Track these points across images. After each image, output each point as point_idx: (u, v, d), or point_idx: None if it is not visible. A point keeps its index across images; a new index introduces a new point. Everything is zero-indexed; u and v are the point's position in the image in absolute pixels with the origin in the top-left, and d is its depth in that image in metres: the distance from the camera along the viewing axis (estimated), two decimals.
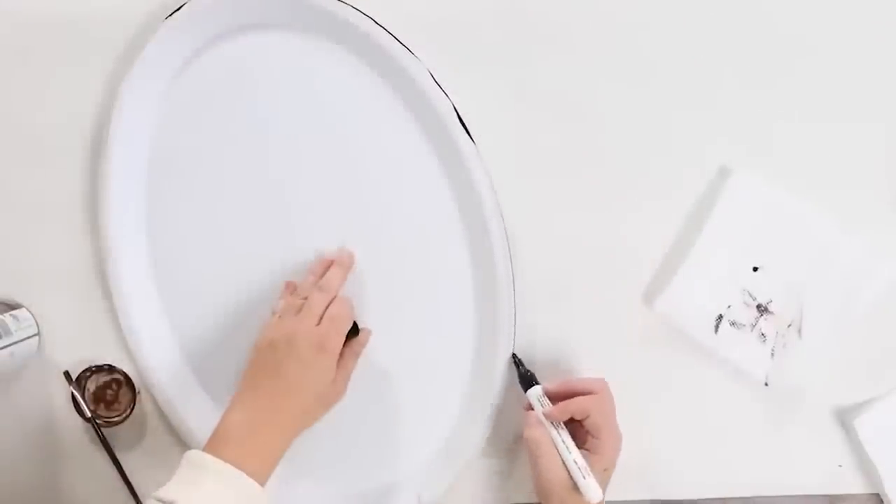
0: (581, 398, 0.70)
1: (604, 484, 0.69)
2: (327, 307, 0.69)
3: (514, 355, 0.74)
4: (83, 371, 0.75)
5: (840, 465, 0.79)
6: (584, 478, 0.67)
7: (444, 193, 0.73)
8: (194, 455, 0.61)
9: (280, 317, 0.68)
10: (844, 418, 0.78)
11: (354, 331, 0.72)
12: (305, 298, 0.69)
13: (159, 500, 0.58)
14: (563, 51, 0.74)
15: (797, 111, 0.75)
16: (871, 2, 0.74)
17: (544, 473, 0.68)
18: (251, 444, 0.62)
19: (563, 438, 0.69)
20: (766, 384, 0.76)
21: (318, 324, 0.67)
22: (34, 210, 0.76)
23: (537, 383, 0.72)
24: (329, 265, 0.72)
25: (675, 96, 0.74)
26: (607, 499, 0.70)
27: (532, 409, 0.71)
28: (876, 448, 0.77)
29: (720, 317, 0.75)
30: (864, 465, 0.79)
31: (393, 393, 0.76)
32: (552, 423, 0.69)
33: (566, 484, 0.67)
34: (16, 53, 0.75)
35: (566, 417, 0.69)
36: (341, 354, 0.69)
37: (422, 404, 0.76)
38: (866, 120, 0.75)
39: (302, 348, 0.65)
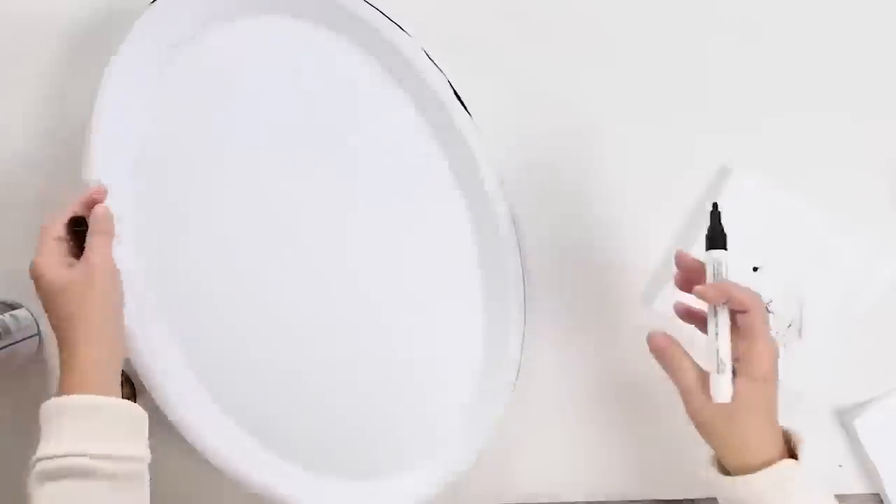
0: (743, 293, 0.61)
1: (759, 397, 0.60)
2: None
3: (715, 205, 0.64)
4: None
5: (840, 465, 0.79)
6: (718, 372, 0.60)
7: (453, 189, 0.74)
8: (61, 401, 0.57)
9: None
10: (844, 418, 0.78)
11: (83, 223, 0.64)
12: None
13: (46, 458, 0.56)
14: (562, 50, 0.74)
15: (797, 111, 0.75)
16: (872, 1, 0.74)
17: (705, 419, 0.61)
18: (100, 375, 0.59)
19: (719, 320, 0.60)
20: None
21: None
22: (34, 209, 0.76)
23: (724, 248, 0.62)
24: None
25: (675, 95, 0.74)
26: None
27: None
28: (876, 448, 0.77)
29: None
30: (864, 465, 0.79)
31: (405, 384, 0.75)
32: (711, 304, 0.61)
33: (692, 385, 0.61)
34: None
35: (723, 300, 0.61)
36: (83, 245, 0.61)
37: (435, 393, 0.76)
38: (866, 119, 0.75)
39: (41, 289, 0.60)
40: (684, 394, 0.62)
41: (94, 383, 0.58)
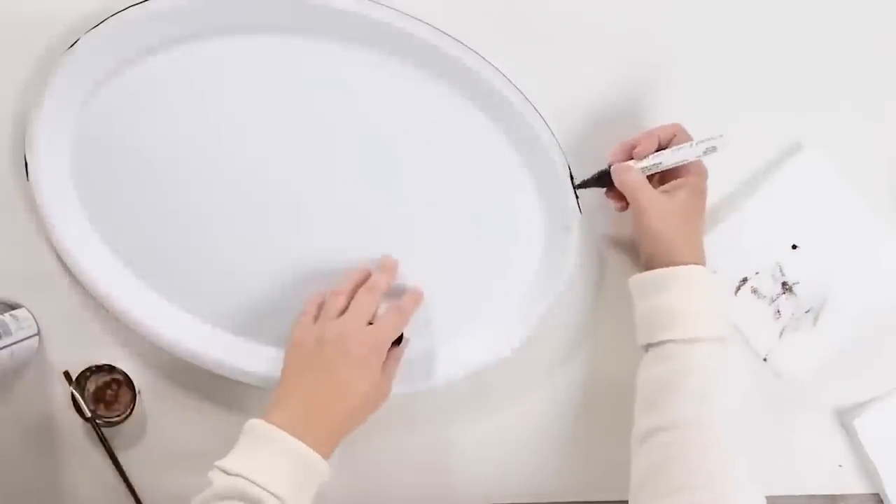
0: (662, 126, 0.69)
1: (697, 204, 0.68)
2: (376, 311, 0.68)
3: (577, 184, 0.71)
4: (83, 371, 0.75)
5: (840, 465, 0.79)
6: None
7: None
8: (256, 424, 0.61)
9: (324, 315, 0.67)
10: (844, 418, 0.78)
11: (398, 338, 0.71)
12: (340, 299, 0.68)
13: (224, 471, 0.59)
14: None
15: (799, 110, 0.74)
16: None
17: (652, 210, 0.67)
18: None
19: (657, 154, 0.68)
20: (765, 359, 0.76)
21: (368, 324, 0.67)
22: (33, 209, 0.76)
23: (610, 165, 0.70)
24: (366, 274, 0.71)
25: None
26: None
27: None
28: (876, 448, 0.77)
29: (745, 280, 0.75)
30: (864, 465, 0.79)
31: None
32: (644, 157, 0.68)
33: (643, 184, 0.67)
34: None
35: (655, 145, 0.68)
36: (385, 358, 0.68)
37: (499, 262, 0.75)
38: (870, 119, 0.74)
39: (353, 348, 0.65)
40: (663, 231, 0.67)
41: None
